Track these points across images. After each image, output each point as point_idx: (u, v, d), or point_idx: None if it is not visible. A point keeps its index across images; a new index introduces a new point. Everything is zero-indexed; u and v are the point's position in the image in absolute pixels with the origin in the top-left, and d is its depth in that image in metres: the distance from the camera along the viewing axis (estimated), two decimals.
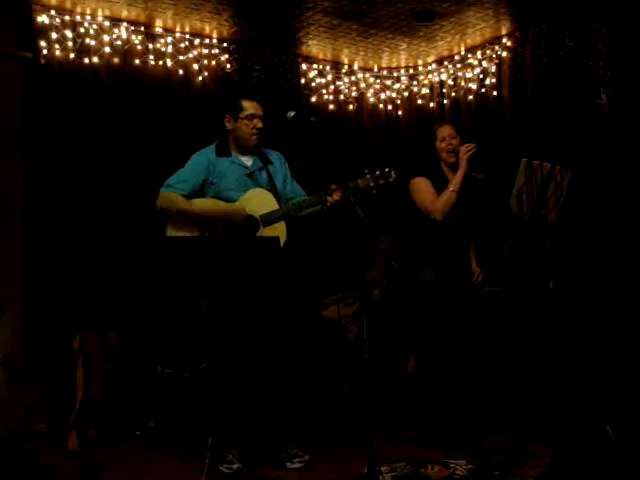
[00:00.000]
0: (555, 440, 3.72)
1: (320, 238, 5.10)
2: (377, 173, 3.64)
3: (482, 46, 5.61)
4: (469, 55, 5.71)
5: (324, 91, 5.94)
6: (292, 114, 3.67)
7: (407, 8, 4.99)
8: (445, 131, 4.14)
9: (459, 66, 5.80)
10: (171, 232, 3.77)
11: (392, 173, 3.65)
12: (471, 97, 5.71)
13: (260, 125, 3.77)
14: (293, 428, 3.75)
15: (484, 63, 5.60)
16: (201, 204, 3.76)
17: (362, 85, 6.12)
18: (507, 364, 4.30)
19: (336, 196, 3.59)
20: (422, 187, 4.09)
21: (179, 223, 3.76)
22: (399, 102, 6.22)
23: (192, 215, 3.72)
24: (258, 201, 3.73)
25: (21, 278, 4.64)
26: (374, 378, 3.40)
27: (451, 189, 4.01)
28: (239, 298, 3.65)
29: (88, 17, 4.90)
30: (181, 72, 5.26)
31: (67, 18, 4.83)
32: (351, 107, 6.09)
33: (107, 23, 4.95)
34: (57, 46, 4.79)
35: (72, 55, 4.85)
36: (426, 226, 4.10)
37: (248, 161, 3.85)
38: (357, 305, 4.97)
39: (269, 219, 3.70)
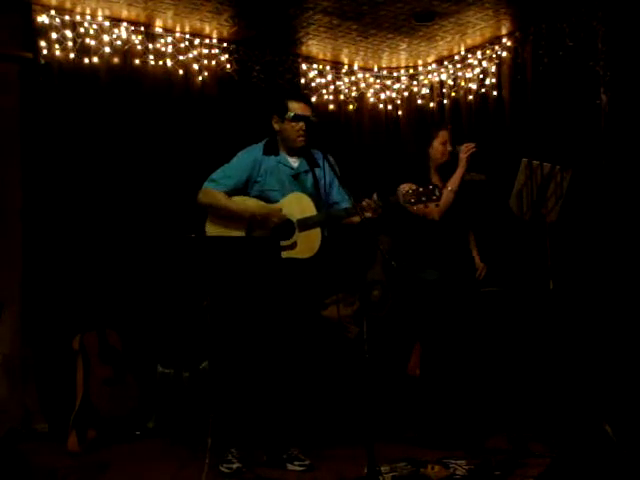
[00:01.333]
0: (555, 440, 3.72)
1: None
2: (421, 190, 3.51)
3: (482, 46, 5.61)
4: (469, 55, 5.71)
5: (324, 91, 5.94)
6: (292, 114, 3.68)
7: (407, 8, 4.98)
8: (447, 135, 4.16)
9: (459, 66, 5.80)
10: (210, 228, 3.76)
11: (436, 191, 3.49)
12: (471, 97, 5.71)
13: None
14: (293, 428, 3.75)
15: (484, 63, 5.59)
16: (242, 203, 3.74)
17: (362, 85, 6.12)
18: (507, 364, 4.30)
19: (374, 209, 3.51)
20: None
21: (218, 220, 3.75)
22: (399, 102, 6.22)
23: (232, 213, 3.71)
24: (297, 205, 3.70)
25: (21, 278, 4.64)
26: (374, 378, 3.40)
27: (449, 188, 4.03)
28: (239, 298, 3.65)
29: (88, 17, 4.90)
30: (181, 72, 5.26)
31: (67, 18, 4.83)
32: (351, 107, 6.09)
33: (107, 23, 4.95)
34: (57, 46, 4.79)
35: (72, 55, 4.85)
36: (425, 226, 4.10)
37: (295, 162, 3.82)
38: (357, 305, 4.96)
39: (306, 224, 3.67)
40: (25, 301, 4.63)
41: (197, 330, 4.24)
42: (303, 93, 5.31)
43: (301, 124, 3.71)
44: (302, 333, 3.76)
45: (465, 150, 4.03)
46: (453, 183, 4.03)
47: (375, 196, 3.54)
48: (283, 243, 3.65)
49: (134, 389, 4.52)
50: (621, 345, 4.34)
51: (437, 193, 3.47)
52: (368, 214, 3.50)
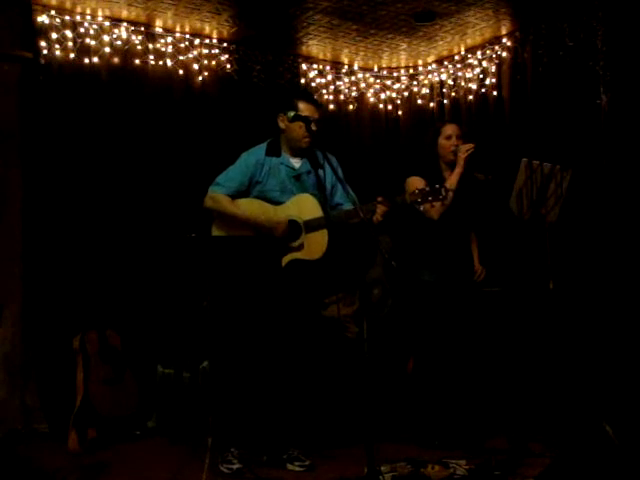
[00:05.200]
0: (555, 440, 3.72)
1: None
2: (427, 190, 3.49)
3: (482, 46, 5.61)
4: (469, 55, 5.71)
5: (324, 91, 5.94)
6: (292, 114, 3.67)
7: (407, 8, 4.99)
8: (452, 129, 4.13)
9: (459, 66, 5.80)
10: (215, 232, 3.77)
11: (442, 191, 3.46)
12: (471, 97, 5.71)
13: (314, 128, 3.65)
14: (294, 428, 3.75)
15: (484, 63, 5.60)
16: (246, 208, 3.73)
17: (362, 85, 6.12)
18: (507, 364, 4.30)
19: (381, 209, 3.48)
20: (418, 186, 4.07)
21: (224, 224, 3.76)
22: (399, 102, 6.22)
23: (236, 219, 3.71)
24: (303, 206, 3.69)
25: (22, 277, 4.64)
26: (374, 378, 3.40)
27: (448, 188, 4.01)
28: (240, 298, 3.65)
29: (88, 17, 4.90)
30: (181, 72, 5.26)
31: (67, 18, 4.83)
32: (351, 107, 6.10)
33: (107, 23, 4.95)
34: (57, 46, 4.80)
35: (72, 55, 4.85)
36: (424, 226, 4.10)
37: (297, 163, 3.81)
38: (357, 305, 4.96)
39: (312, 225, 3.66)
40: (25, 301, 4.63)
41: (197, 330, 4.24)
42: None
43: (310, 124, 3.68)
44: (302, 333, 3.76)
45: (464, 150, 4.02)
46: (451, 183, 4.02)
47: (381, 198, 3.50)
48: (290, 245, 3.65)
49: (134, 389, 4.52)
50: (621, 345, 4.34)
51: (443, 193, 3.46)
52: (377, 216, 3.48)
